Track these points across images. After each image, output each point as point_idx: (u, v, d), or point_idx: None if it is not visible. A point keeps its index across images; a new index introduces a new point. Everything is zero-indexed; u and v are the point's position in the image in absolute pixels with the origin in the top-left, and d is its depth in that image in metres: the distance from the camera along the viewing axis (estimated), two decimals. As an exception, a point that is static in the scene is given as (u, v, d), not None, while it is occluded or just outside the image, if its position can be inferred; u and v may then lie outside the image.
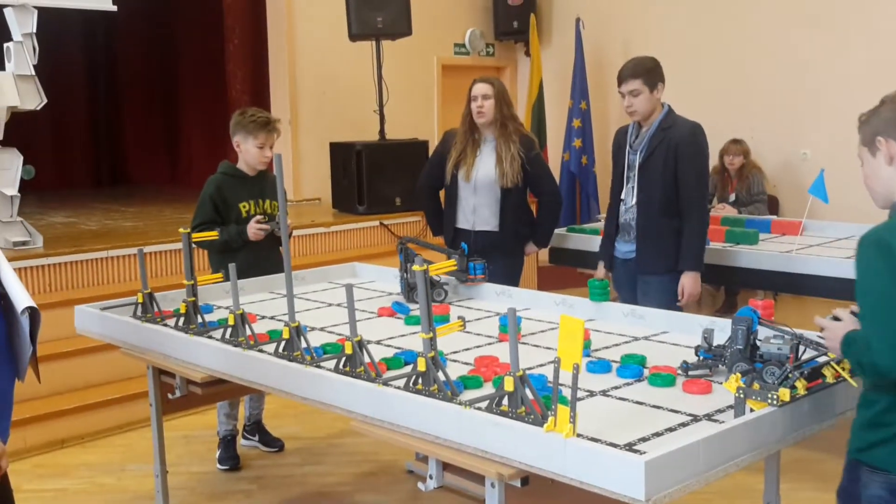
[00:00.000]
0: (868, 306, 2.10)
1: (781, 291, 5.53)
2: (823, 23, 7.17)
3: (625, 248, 4.35)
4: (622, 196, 4.32)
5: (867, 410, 2.16)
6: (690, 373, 2.64)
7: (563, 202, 5.22)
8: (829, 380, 2.30)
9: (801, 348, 2.53)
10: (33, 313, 2.32)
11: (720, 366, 2.62)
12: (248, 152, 4.33)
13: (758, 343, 2.55)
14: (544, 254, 5.48)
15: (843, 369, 2.27)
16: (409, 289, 3.76)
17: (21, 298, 2.33)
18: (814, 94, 7.17)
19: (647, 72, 4.13)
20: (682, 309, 3.97)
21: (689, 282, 4.14)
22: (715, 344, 2.68)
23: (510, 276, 4.61)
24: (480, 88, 4.57)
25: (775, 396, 2.19)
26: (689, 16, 8.01)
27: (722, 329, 2.86)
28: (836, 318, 2.24)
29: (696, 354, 2.70)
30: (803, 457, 3.87)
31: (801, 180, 7.06)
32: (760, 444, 2.16)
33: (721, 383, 2.47)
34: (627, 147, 4.29)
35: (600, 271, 4.48)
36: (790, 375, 2.26)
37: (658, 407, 2.38)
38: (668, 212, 4.17)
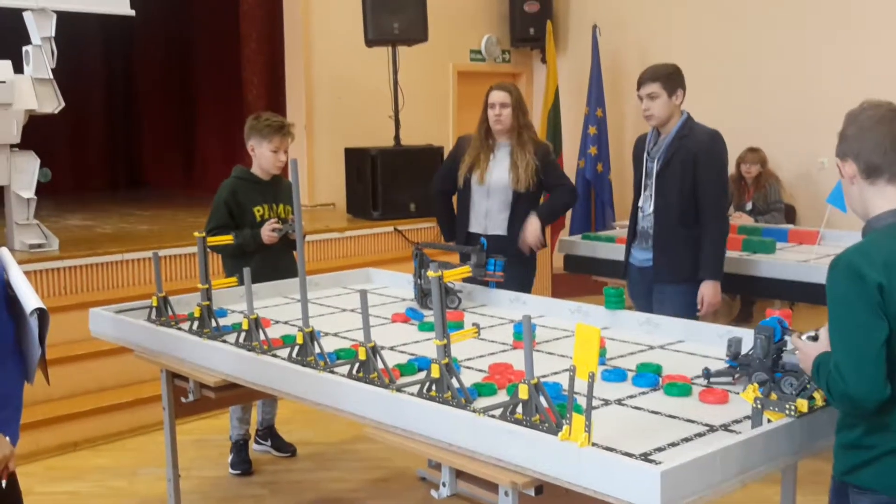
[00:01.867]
0: (839, 334, 2.05)
1: (798, 301, 5.49)
2: (842, 31, 7.14)
3: (642, 255, 4.32)
4: (640, 203, 4.28)
5: (849, 433, 2.12)
6: (712, 380, 2.62)
7: (579, 199, 5.12)
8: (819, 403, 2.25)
9: None
10: (42, 315, 2.32)
11: (743, 376, 2.59)
12: (262, 156, 4.33)
13: (782, 353, 2.52)
14: (559, 260, 5.46)
15: None
16: (422, 295, 3.75)
17: (30, 300, 2.34)
18: (832, 102, 7.07)
19: (667, 76, 4.10)
20: (699, 318, 3.94)
21: (708, 291, 4.09)
22: (742, 352, 2.65)
23: (524, 281, 4.59)
24: (499, 96, 4.55)
25: (793, 407, 2.16)
26: (707, 23, 7.98)
27: (743, 338, 2.83)
28: (816, 338, 2.21)
29: (727, 363, 2.68)
30: (820, 468, 3.83)
31: (818, 189, 7.02)
32: (777, 456, 2.13)
33: (738, 393, 2.45)
34: (645, 154, 4.26)
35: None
36: (808, 386, 2.23)
37: (674, 416, 2.36)
38: (686, 221, 4.13)
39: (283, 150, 4.33)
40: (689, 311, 4.06)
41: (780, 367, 2.49)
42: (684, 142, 4.11)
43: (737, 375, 2.62)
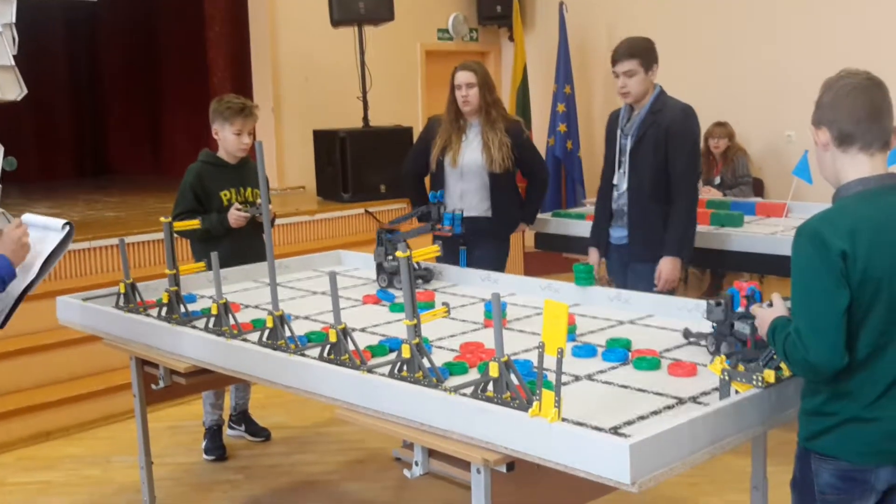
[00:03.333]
0: (801, 301, 2.07)
1: (767, 273, 5.54)
2: (809, 5, 7.17)
3: (618, 234, 4.28)
4: (614, 181, 4.24)
5: (812, 400, 2.15)
6: (690, 339, 2.75)
7: (550, 180, 5.20)
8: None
9: None
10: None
11: (713, 338, 2.68)
12: (225, 139, 4.29)
13: (734, 322, 2.59)
14: (530, 238, 5.49)
15: None
16: (387, 275, 3.75)
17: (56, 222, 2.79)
18: (799, 76, 7.16)
19: (644, 52, 4.03)
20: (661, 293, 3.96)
21: (666, 267, 4.04)
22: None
23: (497, 262, 4.61)
24: (464, 77, 4.53)
25: (760, 378, 2.18)
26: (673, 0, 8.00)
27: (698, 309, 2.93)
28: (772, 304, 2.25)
29: (691, 334, 2.79)
30: (790, 438, 3.87)
31: (785, 162, 7.06)
32: (746, 426, 2.16)
33: (706, 366, 2.47)
34: (619, 131, 4.21)
35: (592, 257, 4.40)
36: (774, 357, 2.26)
37: (643, 390, 2.38)
38: (659, 198, 4.08)
39: (247, 132, 4.28)
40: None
41: (732, 334, 2.59)
42: (657, 117, 4.06)
43: (709, 338, 2.70)
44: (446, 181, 4.67)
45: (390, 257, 3.72)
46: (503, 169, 4.53)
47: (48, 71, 10.60)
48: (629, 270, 4.25)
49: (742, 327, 2.54)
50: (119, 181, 10.50)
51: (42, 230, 2.78)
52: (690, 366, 2.51)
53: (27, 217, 2.90)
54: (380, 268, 3.79)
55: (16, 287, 2.67)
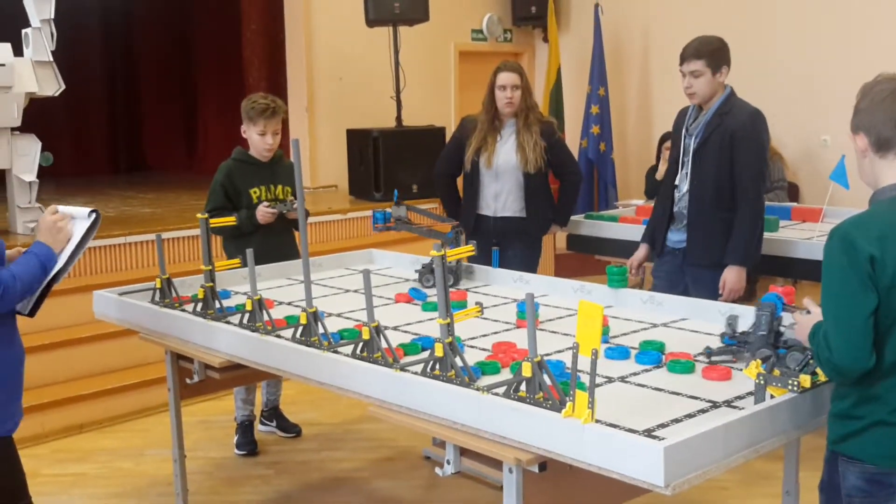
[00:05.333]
0: (829, 303, 2.09)
1: (802, 279, 5.47)
2: (845, 7, 7.09)
3: (677, 237, 4.13)
4: (676, 182, 4.11)
5: (840, 403, 2.15)
6: (713, 358, 2.62)
7: (582, 183, 5.18)
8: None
9: None
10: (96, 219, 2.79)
11: (745, 353, 2.58)
12: (251, 139, 4.33)
13: (781, 329, 2.53)
14: (561, 240, 5.47)
15: None
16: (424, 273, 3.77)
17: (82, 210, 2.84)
18: (834, 79, 7.09)
19: (712, 53, 3.92)
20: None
21: (731, 276, 3.90)
22: (739, 330, 2.67)
23: (530, 262, 4.61)
24: (510, 78, 4.52)
25: (796, 383, 2.17)
26: (709, 1, 7.93)
27: (743, 315, 2.85)
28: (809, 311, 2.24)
29: (721, 341, 2.69)
30: (822, 444, 3.85)
31: (820, 167, 7.00)
32: (780, 431, 2.14)
33: (741, 370, 2.46)
34: (684, 130, 4.08)
35: (640, 253, 4.25)
36: (811, 362, 2.24)
37: (677, 393, 2.37)
38: (721, 202, 3.95)
39: (272, 133, 4.29)
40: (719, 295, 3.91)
41: (782, 344, 2.50)
42: (724, 119, 3.94)
43: (737, 353, 2.62)
44: (481, 181, 4.67)
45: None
46: (536, 169, 4.53)
47: (85, 67, 10.75)
48: (688, 274, 4.11)
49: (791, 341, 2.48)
50: (154, 177, 10.60)
51: (70, 220, 2.83)
52: (725, 369, 2.50)
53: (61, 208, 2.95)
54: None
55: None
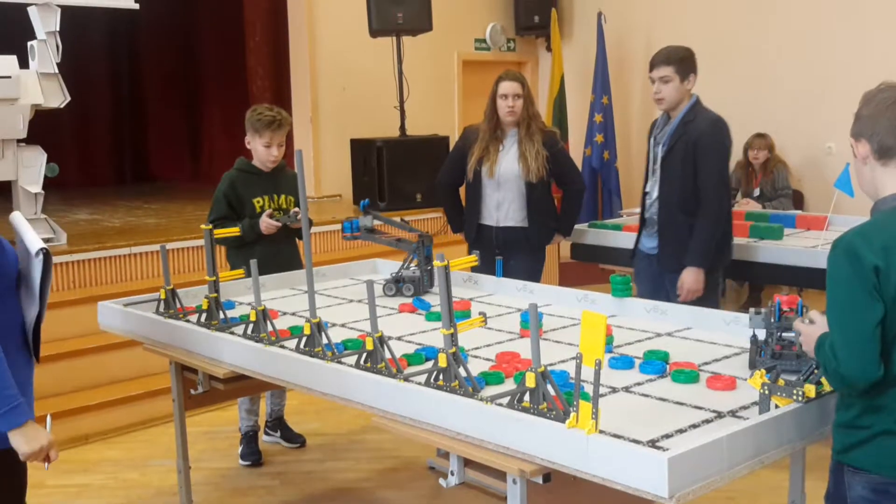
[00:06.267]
0: (835, 314, 2.08)
1: (806, 287, 5.47)
2: (849, 16, 7.10)
3: (649, 242, 4.31)
4: (647, 189, 4.27)
5: (846, 413, 2.14)
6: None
7: (586, 192, 5.20)
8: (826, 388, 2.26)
9: None
10: (46, 256, 2.39)
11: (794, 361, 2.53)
12: (256, 150, 4.34)
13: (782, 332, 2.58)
14: (566, 249, 5.47)
15: None
16: (395, 282, 3.81)
17: (34, 242, 2.44)
18: (838, 87, 7.09)
19: (681, 60, 4.07)
20: (706, 300, 3.97)
21: (689, 278, 4.05)
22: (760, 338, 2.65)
23: (533, 272, 4.61)
24: (512, 87, 4.53)
25: (800, 393, 2.16)
26: (713, 9, 7.95)
27: (738, 321, 2.90)
28: (813, 321, 2.23)
29: (759, 353, 2.63)
30: (827, 454, 3.84)
31: (826, 174, 6.99)
32: (785, 441, 2.13)
33: (745, 379, 2.45)
34: (652, 139, 4.25)
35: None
36: (816, 371, 2.24)
37: (681, 403, 2.36)
38: (687, 208, 4.09)
39: (276, 145, 4.31)
40: (700, 299, 4.02)
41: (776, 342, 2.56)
42: (688, 127, 4.08)
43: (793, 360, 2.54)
44: (483, 191, 4.68)
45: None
46: (538, 178, 4.53)
47: (89, 78, 10.77)
48: (666, 279, 4.24)
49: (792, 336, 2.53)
50: (159, 188, 10.62)
51: (25, 252, 2.50)
52: (729, 379, 2.49)
53: (16, 218, 2.73)
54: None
55: (29, 318, 2.49)
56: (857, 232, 2.08)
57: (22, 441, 2.32)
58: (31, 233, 2.55)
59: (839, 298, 2.06)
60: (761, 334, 2.65)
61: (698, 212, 4.06)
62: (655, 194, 4.20)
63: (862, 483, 2.11)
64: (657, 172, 4.19)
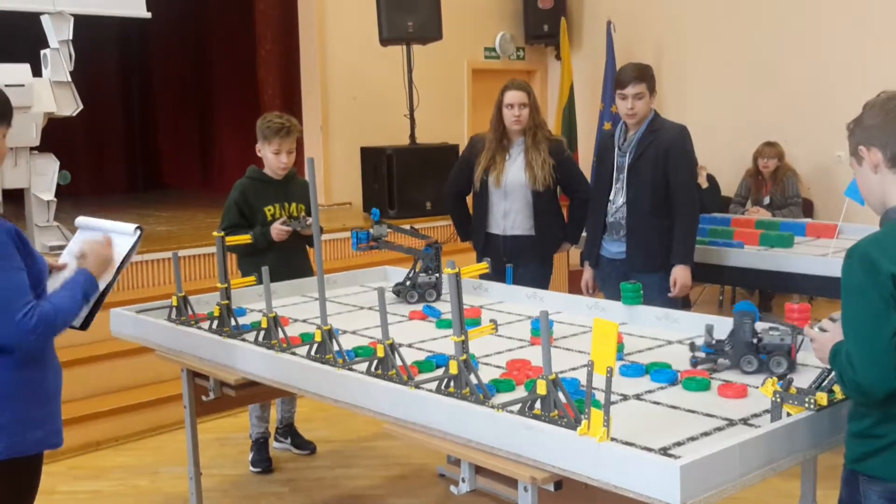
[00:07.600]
0: (851, 324, 2.06)
1: (817, 295, 5.46)
2: (859, 25, 7.09)
3: (614, 247, 4.40)
4: (610, 196, 4.39)
5: (859, 422, 2.13)
6: (699, 366, 2.73)
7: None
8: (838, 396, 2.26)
9: (800, 339, 2.64)
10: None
11: (722, 359, 2.72)
12: (266, 158, 4.36)
13: (758, 334, 2.66)
14: (575, 257, 5.47)
15: None
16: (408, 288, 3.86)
17: (127, 226, 2.92)
18: (848, 95, 7.04)
19: (651, 77, 4.28)
20: (670, 301, 4.13)
21: (680, 274, 4.22)
22: (716, 339, 2.77)
23: (540, 280, 4.61)
24: (518, 97, 4.54)
25: (812, 401, 2.16)
26: (722, 18, 7.95)
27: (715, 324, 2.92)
28: (824, 329, 2.23)
29: (698, 349, 2.79)
30: (838, 462, 3.83)
31: (835, 183, 6.98)
32: (797, 449, 2.13)
33: (757, 388, 2.45)
34: (616, 149, 4.37)
35: (588, 273, 4.58)
36: (828, 380, 2.23)
37: (693, 411, 2.36)
38: (658, 211, 4.26)
39: (286, 152, 4.33)
40: (662, 297, 4.16)
41: (762, 349, 2.64)
42: (656, 136, 4.26)
43: (719, 360, 2.72)
44: (490, 200, 4.69)
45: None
46: (545, 187, 4.55)
47: (102, 87, 10.85)
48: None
49: (775, 339, 2.64)
50: (170, 196, 10.67)
51: (114, 235, 2.89)
52: (741, 387, 2.49)
53: (96, 222, 3.03)
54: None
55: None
56: (872, 240, 2.07)
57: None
58: (111, 222, 2.99)
59: (855, 308, 2.05)
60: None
61: (676, 213, 4.24)
62: (621, 200, 4.34)
63: (879, 492, 2.11)
64: (622, 180, 4.33)
